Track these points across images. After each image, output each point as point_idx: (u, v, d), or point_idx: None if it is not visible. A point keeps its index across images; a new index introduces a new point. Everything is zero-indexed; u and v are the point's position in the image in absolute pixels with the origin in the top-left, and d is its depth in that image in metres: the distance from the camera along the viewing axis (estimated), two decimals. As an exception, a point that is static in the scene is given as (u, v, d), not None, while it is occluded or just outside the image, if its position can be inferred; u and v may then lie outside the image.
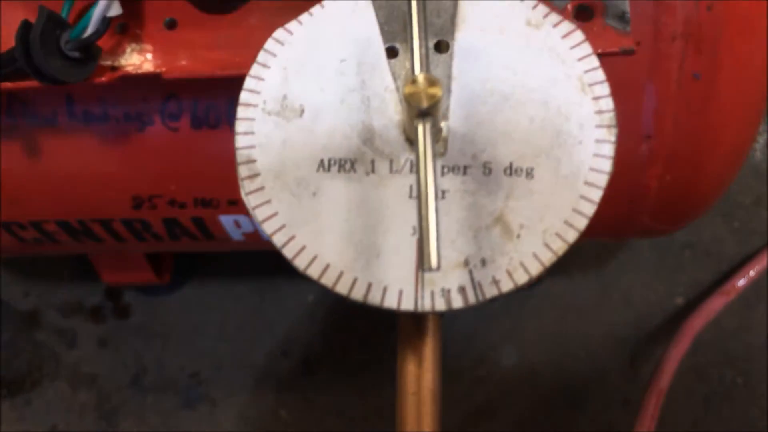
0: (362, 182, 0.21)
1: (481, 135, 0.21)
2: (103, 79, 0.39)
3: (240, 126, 0.22)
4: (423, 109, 0.19)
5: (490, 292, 0.21)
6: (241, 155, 0.22)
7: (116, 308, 0.78)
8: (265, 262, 0.78)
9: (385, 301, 0.21)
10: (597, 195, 0.21)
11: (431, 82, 0.19)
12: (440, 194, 0.21)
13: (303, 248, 0.21)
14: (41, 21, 0.35)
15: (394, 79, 0.21)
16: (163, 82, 0.44)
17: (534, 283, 0.23)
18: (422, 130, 0.19)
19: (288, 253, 0.21)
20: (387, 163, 0.21)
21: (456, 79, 0.21)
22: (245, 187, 0.22)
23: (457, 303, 0.21)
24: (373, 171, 0.21)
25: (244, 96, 0.22)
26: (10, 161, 0.48)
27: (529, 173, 0.21)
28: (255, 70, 0.22)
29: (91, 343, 0.78)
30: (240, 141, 0.22)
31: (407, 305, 0.21)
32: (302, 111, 0.21)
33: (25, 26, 0.35)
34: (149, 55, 0.39)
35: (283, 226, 0.21)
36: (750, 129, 0.46)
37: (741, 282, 0.69)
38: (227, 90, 0.45)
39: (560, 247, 0.21)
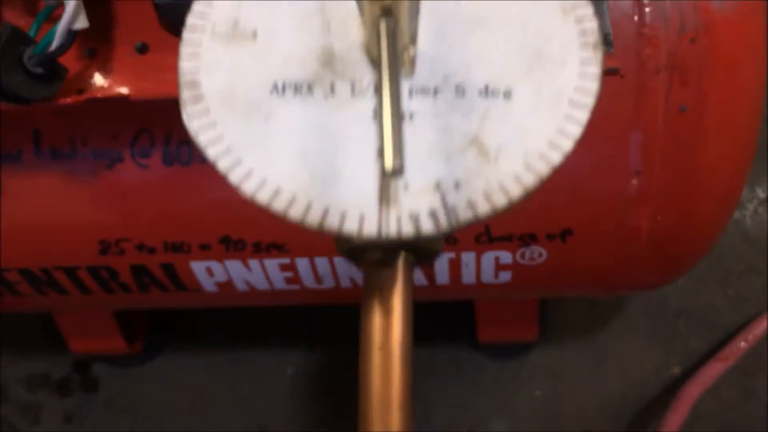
0: (320, 105, 0.19)
1: (453, 57, 0.19)
2: (69, 100, 0.37)
3: (185, 48, 0.20)
4: (386, 4, 0.18)
5: (465, 216, 0.19)
6: (184, 78, 0.20)
7: (84, 381, 0.74)
8: (242, 332, 0.74)
9: (344, 227, 0.18)
10: (584, 115, 0.19)
11: (392, -28, 0.17)
12: (408, 116, 0.19)
13: (251, 172, 0.19)
14: (4, 35, 0.34)
15: (358, -1, 0.19)
16: (134, 115, 0.43)
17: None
18: (385, 29, 0.17)
19: (234, 178, 0.19)
20: (348, 86, 0.20)
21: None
22: (187, 109, 0.20)
23: (428, 227, 0.19)
24: (332, 94, 0.20)
25: (191, 21, 0.20)
26: (-29, 202, 0.46)
27: (507, 95, 0.19)
28: (204, -7, 0.20)
29: (56, 419, 0.74)
30: (184, 64, 0.20)
31: (370, 230, 0.19)
32: (255, 35, 0.19)
33: (-13, 41, 0.34)
34: (118, 79, 0.38)
35: (228, 150, 0.19)
36: (742, 166, 0.45)
37: (739, 348, 0.66)
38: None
39: (543, 169, 0.19)
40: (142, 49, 0.39)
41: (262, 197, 0.19)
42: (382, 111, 0.17)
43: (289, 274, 0.50)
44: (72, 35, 0.34)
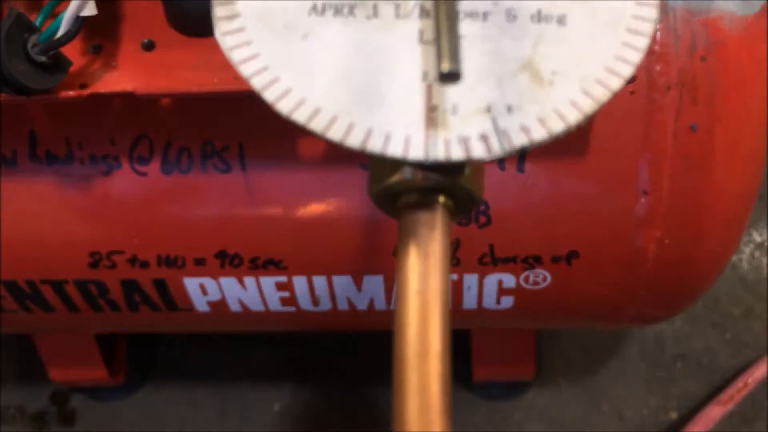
0: (362, 26, 0.19)
1: (502, -18, 0.18)
2: (71, 93, 0.36)
3: (220, -34, 0.19)
4: None
5: (519, 140, 0.17)
6: (218, -5, 0.19)
7: (61, 414, 0.71)
8: (228, 366, 0.72)
9: (388, 149, 0.17)
10: (643, 43, 0.18)
11: None
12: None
13: (288, 91, 0.18)
14: (9, 20, 0.33)
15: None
16: (133, 119, 0.42)
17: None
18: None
19: (269, 95, 0.18)
20: (392, 8, 0.19)
21: None
22: (221, 27, 0.19)
23: (479, 152, 0.17)
24: (375, 15, 0.19)
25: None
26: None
27: (561, 20, 0.18)
28: None
29: (29, 454, 0.70)
30: None
31: (416, 153, 0.17)
32: (294, -47, 0.19)
33: (-9, 27, 0.33)
34: (122, 75, 0.37)
35: (264, 68, 0.18)
36: (751, 187, 0.44)
37: (738, 392, 0.65)
38: (201, 133, 0.42)
39: (602, 94, 0.18)
40: (149, 47, 0.38)
41: (300, 116, 0.18)
42: (438, 14, 0.16)
43: (286, 293, 0.48)
44: (79, 22, 0.34)
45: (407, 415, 0.17)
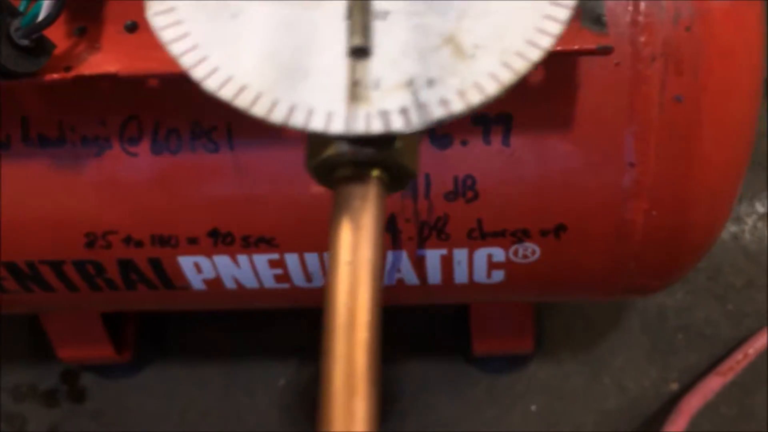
0: (291, 4, 0.19)
1: (429, -42, 0.19)
2: (56, 76, 0.37)
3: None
4: None
5: (438, 113, 0.18)
6: (151, -24, 0.20)
7: (71, 391, 0.73)
8: (233, 342, 0.73)
9: (311, 123, 0.18)
10: (564, 14, 0.19)
11: None
12: (382, 14, 0.19)
13: (216, 69, 0.18)
14: (-9, 6, 0.34)
15: None
16: (123, 101, 0.43)
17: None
18: None
19: (198, 73, 0.19)
20: None
21: None
22: (152, 8, 0.20)
23: (398, 124, 0.18)
24: None
25: None
26: (-44, 191, 0.45)
27: None
28: None
29: (41, 430, 0.72)
30: None
31: (337, 127, 0.18)
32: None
33: (-26, 13, 0.34)
34: (106, 57, 0.38)
35: (194, 47, 0.18)
36: (739, 158, 0.44)
37: (738, 362, 0.65)
38: (189, 113, 0.43)
39: (522, 66, 0.18)
40: (132, 28, 0.38)
41: (226, 93, 0.18)
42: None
43: (279, 270, 0.49)
44: (59, 5, 0.34)
45: (333, 382, 0.18)
